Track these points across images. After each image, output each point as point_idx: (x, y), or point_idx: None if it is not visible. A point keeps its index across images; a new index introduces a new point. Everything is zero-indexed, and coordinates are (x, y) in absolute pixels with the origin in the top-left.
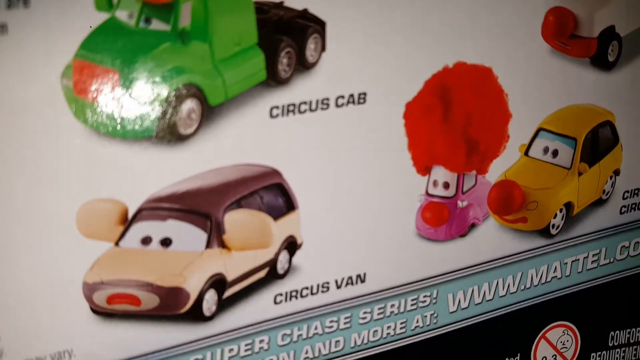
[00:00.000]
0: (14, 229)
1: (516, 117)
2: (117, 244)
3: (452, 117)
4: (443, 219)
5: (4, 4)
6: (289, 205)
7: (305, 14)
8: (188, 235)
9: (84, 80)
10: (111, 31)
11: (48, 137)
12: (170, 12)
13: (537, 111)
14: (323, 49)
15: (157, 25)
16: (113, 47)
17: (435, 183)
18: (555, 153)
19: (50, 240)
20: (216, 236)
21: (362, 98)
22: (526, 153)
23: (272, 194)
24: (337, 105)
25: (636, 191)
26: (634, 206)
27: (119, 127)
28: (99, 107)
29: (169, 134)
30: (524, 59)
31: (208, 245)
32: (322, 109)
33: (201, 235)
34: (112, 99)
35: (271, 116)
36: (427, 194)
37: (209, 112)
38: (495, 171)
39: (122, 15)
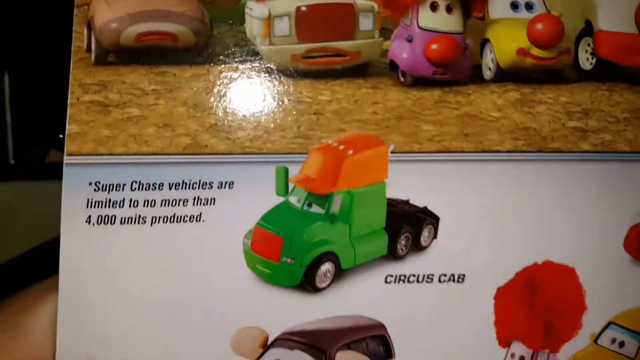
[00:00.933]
0: (191, 347)
1: (591, 310)
2: None
3: (536, 305)
4: None
5: (216, 185)
6: (388, 354)
7: (425, 210)
8: None
9: (259, 241)
10: (283, 210)
11: (226, 278)
12: (325, 200)
13: (611, 307)
14: (435, 237)
15: (315, 209)
16: (283, 221)
17: (512, 356)
18: (621, 344)
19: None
20: None
21: (461, 278)
22: (595, 341)
23: (375, 342)
24: (439, 281)
25: None
26: None
27: (276, 276)
28: (265, 261)
29: (309, 285)
30: (605, 263)
31: None
32: (427, 282)
33: None
34: (274, 257)
35: (386, 282)
36: None
37: (340, 273)
38: (566, 352)
39: (292, 199)
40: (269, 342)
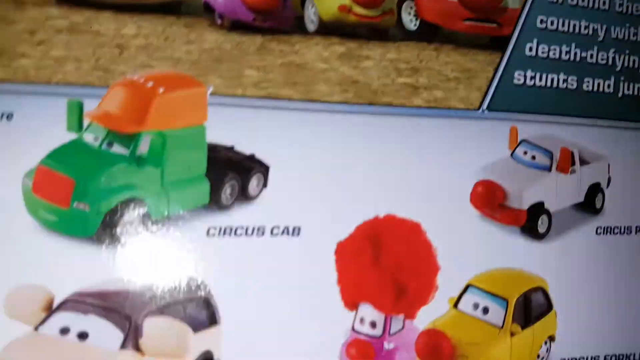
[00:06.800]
0: None
1: (446, 270)
2: (36, 328)
3: (382, 261)
4: (368, 357)
5: None
6: (212, 319)
7: (252, 157)
8: (106, 333)
9: (43, 182)
10: (76, 149)
11: (1, 226)
12: (131, 140)
13: (467, 268)
14: (265, 185)
15: (117, 149)
16: (75, 161)
17: (362, 320)
18: (485, 310)
19: None
20: (132, 338)
21: (296, 231)
22: (455, 306)
23: (196, 305)
24: (272, 234)
25: None
26: None
27: (65, 225)
28: (51, 206)
29: (107, 237)
30: (452, 219)
31: (123, 345)
32: (258, 235)
33: (118, 335)
34: (63, 202)
35: (208, 235)
36: (354, 329)
37: (150, 224)
38: (425, 319)
39: (88, 137)
40: (54, 305)
